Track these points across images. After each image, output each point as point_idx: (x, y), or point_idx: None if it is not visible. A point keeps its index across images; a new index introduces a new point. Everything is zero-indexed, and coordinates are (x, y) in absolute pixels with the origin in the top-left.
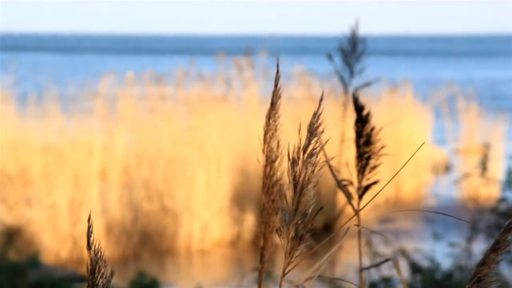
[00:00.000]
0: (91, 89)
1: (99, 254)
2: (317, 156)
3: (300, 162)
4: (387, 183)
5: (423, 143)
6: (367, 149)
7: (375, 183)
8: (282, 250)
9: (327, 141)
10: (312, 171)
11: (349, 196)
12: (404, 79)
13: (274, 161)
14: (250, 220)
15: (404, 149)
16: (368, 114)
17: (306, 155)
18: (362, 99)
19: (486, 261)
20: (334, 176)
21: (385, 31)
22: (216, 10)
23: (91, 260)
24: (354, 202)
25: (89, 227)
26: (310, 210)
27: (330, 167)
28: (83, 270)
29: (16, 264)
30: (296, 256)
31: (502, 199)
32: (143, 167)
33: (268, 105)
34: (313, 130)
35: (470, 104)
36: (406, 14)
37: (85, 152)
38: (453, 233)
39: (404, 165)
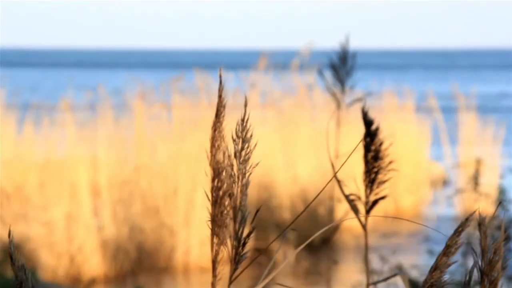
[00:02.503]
0: (88, 103)
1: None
2: (248, 161)
3: (234, 169)
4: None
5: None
6: (375, 164)
7: (383, 198)
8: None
9: (255, 145)
10: (243, 175)
11: (356, 211)
12: (407, 92)
13: (220, 173)
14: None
15: (403, 163)
16: (377, 129)
17: (240, 162)
18: (363, 113)
19: (437, 265)
20: (342, 190)
21: (378, 46)
22: (202, 25)
23: None
24: (361, 217)
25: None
26: (246, 216)
27: (338, 181)
28: (80, 286)
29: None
30: (241, 262)
31: (495, 216)
32: (141, 182)
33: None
34: (242, 136)
35: (467, 117)
36: (399, 28)
37: (82, 167)
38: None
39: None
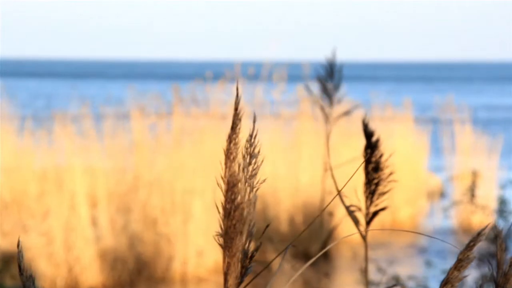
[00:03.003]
0: (87, 113)
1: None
2: (255, 177)
3: (241, 184)
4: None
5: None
6: (375, 175)
7: (383, 209)
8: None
9: (262, 161)
10: (251, 191)
11: (357, 222)
12: (404, 103)
13: (235, 186)
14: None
15: (400, 175)
16: (377, 140)
17: (247, 176)
18: (355, 125)
19: (448, 279)
20: (343, 202)
21: (372, 58)
22: (192, 35)
23: None
24: (361, 228)
25: None
26: (253, 230)
27: (339, 193)
28: None
29: None
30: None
31: (493, 227)
32: (139, 192)
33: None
34: (251, 152)
35: (464, 129)
36: (393, 40)
37: (81, 177)
38: (446, 260)
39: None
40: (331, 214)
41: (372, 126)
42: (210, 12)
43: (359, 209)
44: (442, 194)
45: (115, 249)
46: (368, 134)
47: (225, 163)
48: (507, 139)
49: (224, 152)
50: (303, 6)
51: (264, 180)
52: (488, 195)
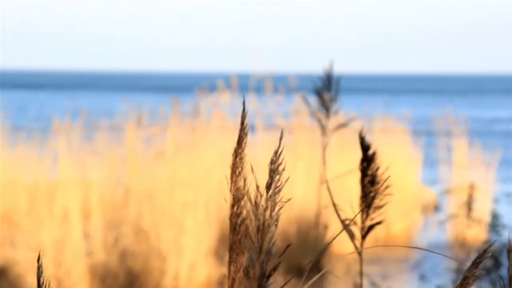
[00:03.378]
0: (81, 125)
1: None
2: (279, 194)
3: (263, 200)
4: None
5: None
6: (371, 189)
7: (379, 223)
8: None
9: (288, 179)
10: (273, 209)
11: (352, 236)
12: (403, 115)
13: (240, 200)
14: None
15: (394, 188)
16: (374, 153)
17: (269, 193)
18: (350, 138)
19: None
20: (338, 215)
21: (369, 70)
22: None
23: None
24: (357, 241)
25: None
26: (274, 248)
27: (334, 206)
28: None
29: None
30: None
31: (488, 241)
32: (130, 206)
33: (255, 142)
34: (274, 169)
35: (459, 142)
36: (389, 53)
37: (71, 191)
38: (440, 275)
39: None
40: (326, 227)
41: (368, 139)
42: (203, 24)
43: (355, 223)
44: (437, 208)
45: (106, 263)
46: (365, 147)
47: (231, 178)
48: (504, 152)
49: (230, 167)
50: (299, 19)
51: (289, 199)
52: (484, 208)
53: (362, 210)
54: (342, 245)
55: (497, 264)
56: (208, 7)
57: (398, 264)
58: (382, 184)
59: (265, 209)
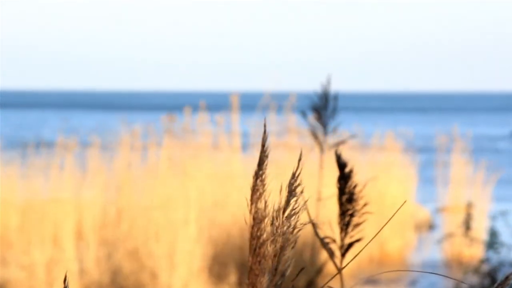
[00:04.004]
0: (66, 145)
1: None
2: (297, 217)
3: (279, 223)
4: (369, 241)
5: (404, 202)
6: (349, 206)
7: (358, 240)
8: None
9: (306, 201)
10: (292, 232)
11: (331, 254)
12: (391, 134)
13: (261, 222)
14: (231, 278)
15: (387, 206)
16: (351, 171)
17: (285, 216)
18: (346, 155)
19: None
20: (317, 234)
21: (364, 88)
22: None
23: None
24: (337, 260)
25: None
26: (289, 270)
27: (313, 225)
28: None
29: None
30: None
31: (485, 260)
32: (122, 225)
33: (249, 161)
34: (292, 190)
35: (456, 160)
36: (386, 71)
37: (63, 210)
38: None
39: (387, 222)
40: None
41: (348, 156)
42: (199, 43)
43: (334, 241)
44: (431, 226)
45: (98, 282)
46: (341, 165)
47: (251, 199)
48: (498, 169)
49: (250, 188)
50: (297, 37)
51: (305, 224)
52: (481, 227)
53: (341, 228)
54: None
55: (494, 282)
56: (199, 29)
57: (393, 284)
58: (360, 202)
59: (282, 231)
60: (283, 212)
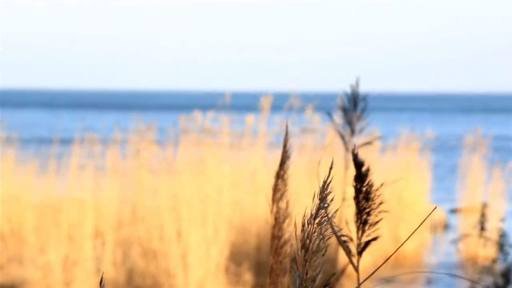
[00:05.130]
0: (81, 145)
1: None
2: (328, 223)
3: (310, 229)
4: (401, 244)
5: (435, 208)
6: (366, 205)
7: (374, 239)
8: None
9: (337, 210)
10: (322, 238)
11: (349, 253)
12: (408, 135)
13: (283, 222)
14: (247, 278)
15: (404, 206)
16: (367, 170)
17: (316, 223)
18: (363, 155)
19: None
20: (335, 232)
21: (384, 89)
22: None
23: None
24: (354, 259)
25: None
26: (319, 277)
27: (331, 224)
28: None
29: None
30: None
31: (498, 260)
32: (139, 224)
33: (267, 161)
34: (323, 198)
35: (470, 161)
36: (408, 72)
37: (79, 209)
38: None
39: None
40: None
41: (366, 156)
42: (216, 42)
43: (351, 239)
44: (446, 226)
45: (115, 282)
46: (358, 164)
47: (272, 199)
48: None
49: (272, 188)
50: (320, 38)
51: (339, 230)
52: (495, 228)
53: (357, 227)
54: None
55: (508, 282)
56: (224, 24)
57: (409, 284)
58: (376, 201)
59: (313, 238)
60: (314, 219)
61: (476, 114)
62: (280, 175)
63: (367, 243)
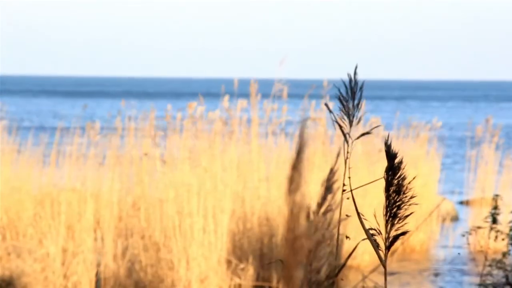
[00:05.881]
0: (81, 134)
1: None
2: (333, 213)
3: (316, 218)
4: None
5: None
6: (397, 198)
7: (404, 233)
8: None
9: (348, 198)
10: (327, 227)
11: (377, 246)
12: (426, 123)
13: (298, 214)
14: (250, 271)
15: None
16: (400, 163)
17: (321, 212)
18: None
19: None
20: (363, 224)
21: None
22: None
23: None
24: (382, 253)
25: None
26: (324, 267)
27: (358, 214)
28: None
29: None
30: None
31: (507, 254)
32: (140, 216)
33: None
34: (329, 186)
35: (480, 151)
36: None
37: (79, 201)
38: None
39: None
40: (348, 238)
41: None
42: (219, 29)
43: (379, 233)
44: (455, 218)
45: (115, 274)
46: (391, 155)
47: (288, 190)
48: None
49: (287, 179)
50: (319, 26)
51: (346, 217)
52: (506, 220)
53: (386, 221)
54: (358, 257)
55: None
56: (229, 12)
57: (417, 277)
58: (407, 194)
59: (317, 228)
60: (319, 208)
61: (480, 102)
62: (295, 167)
63: (396, 237)
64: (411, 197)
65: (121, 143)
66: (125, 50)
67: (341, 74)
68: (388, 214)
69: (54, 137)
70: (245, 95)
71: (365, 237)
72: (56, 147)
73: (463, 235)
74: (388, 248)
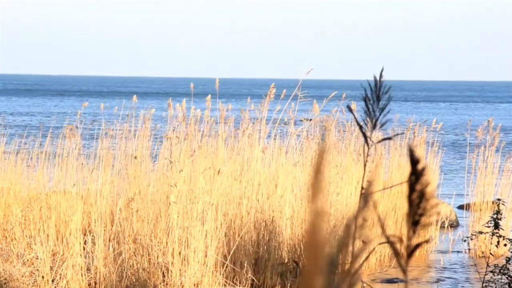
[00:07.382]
0: (72, 133)
1: None
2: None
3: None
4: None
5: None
6: (420, 205)
7: (427, 241)
8: None
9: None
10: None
11: (397, 254)
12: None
13: (317, 219)
14: (246, 276)
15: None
16: (424, 168)
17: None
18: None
19: None
20: (384, 232)
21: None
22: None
23: None
24: (403, 261)
25: None
26: (359, 284)
27: (380, 220)
28: None
29: None
30: None
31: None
32: (132, 218)
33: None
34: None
35: (481, 155)
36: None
37: (69, 202)
38: None
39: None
40: (364, 242)
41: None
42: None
43: (401, 240)
44: (455, 223)
45: (106, 278)
46: (414, 160)
47: (311, 194)
48: None
49: (309, 183)
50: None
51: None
52: (508, 225)
53: (409, 227)
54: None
55: None
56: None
57: (417, 282)
58: (431, 201)
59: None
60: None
61: (483, 103)
62: (318, 171)
63: (418, 245)
64: (436, 205)
65: (113, 143)
66: (125, 50)
67: (342, 74)
68: (411, 221)
69: (45, 138)
70: (244, 95)
71: (381, 241)
72: (46, 148)
73: (464, 240)
74: (409, 255)
